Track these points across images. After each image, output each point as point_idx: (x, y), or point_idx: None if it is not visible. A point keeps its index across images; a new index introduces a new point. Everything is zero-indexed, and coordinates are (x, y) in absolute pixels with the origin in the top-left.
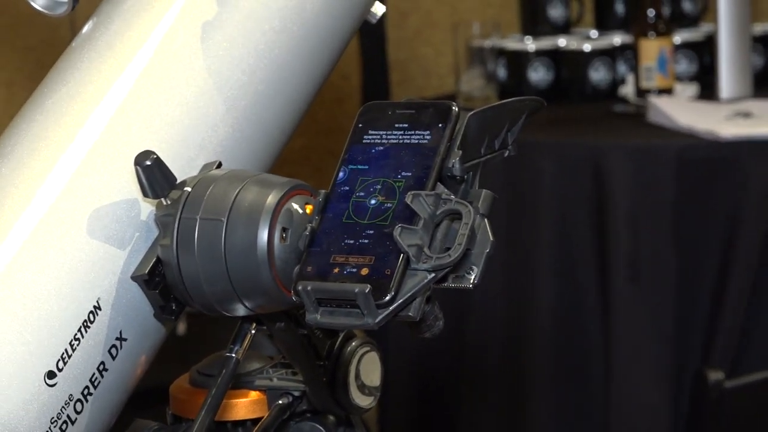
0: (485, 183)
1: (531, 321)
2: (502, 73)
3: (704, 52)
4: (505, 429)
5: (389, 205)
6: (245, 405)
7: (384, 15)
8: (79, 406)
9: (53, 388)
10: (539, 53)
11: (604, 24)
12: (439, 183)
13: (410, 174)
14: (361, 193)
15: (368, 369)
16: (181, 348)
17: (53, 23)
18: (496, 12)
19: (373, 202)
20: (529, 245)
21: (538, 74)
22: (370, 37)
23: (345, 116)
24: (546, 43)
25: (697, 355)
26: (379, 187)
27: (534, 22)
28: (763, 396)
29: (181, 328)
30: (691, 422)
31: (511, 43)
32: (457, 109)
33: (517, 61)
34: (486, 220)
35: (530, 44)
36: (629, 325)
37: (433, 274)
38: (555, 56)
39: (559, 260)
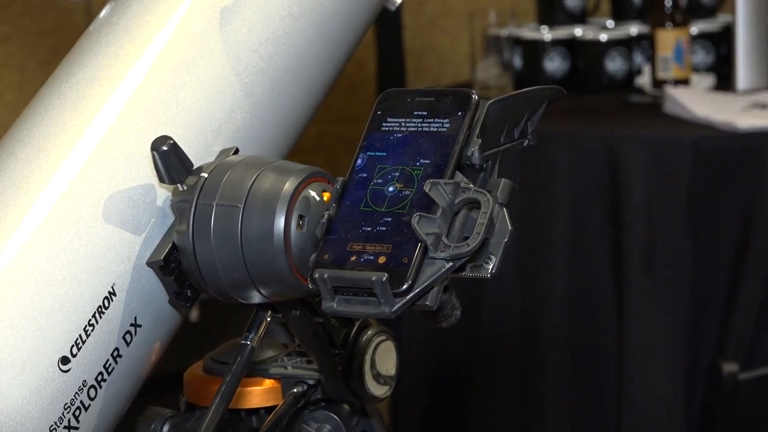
0: (503, 172)
1: (545, 312)
2: (518, 62)
3: (721, 43)
4: (518, 419)
5: (407, 193)
6: (259, 393)
7: (401, 2)
8: (92, 393)
9: (67, 374)
10: (555, 43)
11: (621, 14)
12: (457, 171)
13: (429, 162)
14: (379, 181)
15: (384, 358)
16: (195, 335)
17: (68, 8)
18: (513, 1)
19: (391, 189)
20: (543, 236)
21: (554, 64)
22: (385, 25)
23: (360, 104)
24: (562, 32)
25: (711, 347)
26: (397, 174)
27: (550, 11)
28: None
29: (195, 315)
30: (704, 414)
31: (528, 32)
32: (477, 97)
33: (533, 50)
34: (505, 209)
35: (546, 33)
36: (643, 317)
37: (450, 263)
38: (571, 46)
39: (574, 251)
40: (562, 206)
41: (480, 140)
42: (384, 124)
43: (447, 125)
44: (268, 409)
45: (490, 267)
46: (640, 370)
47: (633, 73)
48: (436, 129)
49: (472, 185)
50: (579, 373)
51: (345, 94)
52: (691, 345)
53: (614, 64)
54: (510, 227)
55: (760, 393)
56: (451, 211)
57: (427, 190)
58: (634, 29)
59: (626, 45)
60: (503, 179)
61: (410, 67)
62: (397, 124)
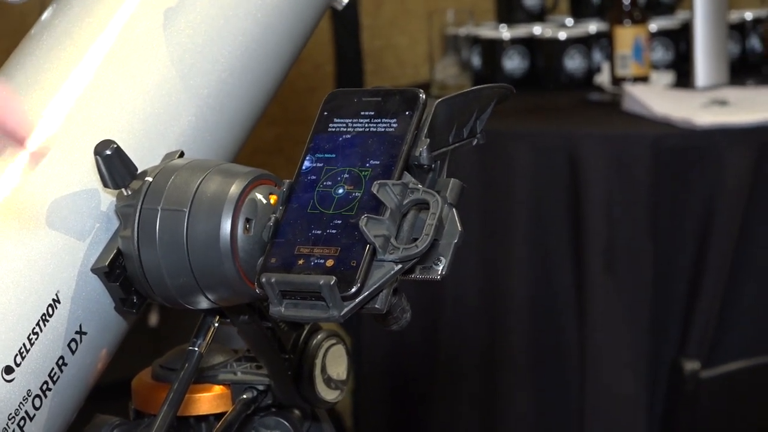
0: (457, 172)
1: (506, 312)
2: (476, 61)
3: (680, 40)
4: (481, 420)
5: (356, 194)
6: (208, 400)
7: (357, 2)
8: (37, 402)
9: (10, 383)
10: (514, 41)
11: (580, 12)
12: (406, 172)
13: (377, 163)
14: (328, 183)
15: (334, 362)
16: (153, 340)
17: (22, 11)
18: (471, 0)
19: (339, 191)
20: (503, 236)
21: (513, 62)
22: (343, 26)
23: (318, 106)
24: (521, 31)
25: (673, 344)
26: (346, 176)
27: (509, 9)
28: (738, 385)
29: (153, 319)
30: (667, 412)
31: (486, 31)
32: (424, 97)
33: (492, 49)
34: (454, 210)
35: (505, 32)
36: (605, 315)
37: (399, 266)
38: (530, 44)
39: (534, 251)
40: (522, 205)
41: (428, 140)
42: (331, 125)
43: (395, 125)
44: (218, 416)
45: (440, 269)
46: (602, 369)
47: (592, 71)
48: (383, 129)
49: (420, 186)
50: (541, 372)
51: (303, 96)
52: (652, 343)
53: (573, 62)
54: (460, 228)
55: (722, 390)
56: (399, 212)
57: (374, 192)
58: (592, 27)
59: (585, 43)
60: (452, 179)
61: (369, 67)
62: (344, 125)
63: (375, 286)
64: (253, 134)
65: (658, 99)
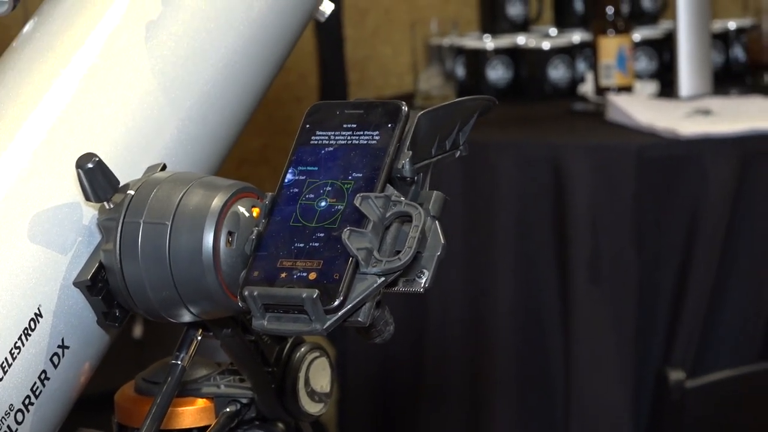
0: (440, 183)
1: (491, 322)
2: (460, 71)
3: (664, 50)
4: (466, 431)
5: (338, 207)
6: (192, 413)
7: (341, 13)
8: (19, 417)
9: None
10: (498, 51)
11: (564, 22)
12: (389, 185)
13: (360, 175)
14: (310, 195)
15: (318, 375)
16: (137, 351)
17: (4, 23)
18: (456, 9)
19: (322, 204)
20: (488, 246)
21: (497, 73)
22: (327, 36)
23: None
24: (505, 41)
25: (658, 354)
26: (328, 189)
27: (493, 19)
28: (723, 395)
29: (138, 330)
30: (652, 422)
31: (470, 41)
32: (406, 109)
33: (476, 59)
34: (437, 222)
35: (489, 42)
36: (590, 325)
37: (382, 278)
38: (514, 54)
39: (519, 261)
40: (507, 215)
41: (411, 152)
42: (313, 137)
43: (377, 138)
44: (201, 429)
45: (423, 281)
46: (588, 379)
47: (576, 81)
48: (366, 142)
49: (403, 198)
50: (526, 382)
51: (289, 106)
52: (638, 353)
53: (557, 72)
54: (443, 241)
55: (707, 400)
56: (382, 225)
57: (357, 204)
58: (576, 37)
59: (569, 53)
60: (435, 191)
61: (353, 78)
62: (327, 138)
63: (358, 299)
64: (239, 144)
65: (642, 109)
